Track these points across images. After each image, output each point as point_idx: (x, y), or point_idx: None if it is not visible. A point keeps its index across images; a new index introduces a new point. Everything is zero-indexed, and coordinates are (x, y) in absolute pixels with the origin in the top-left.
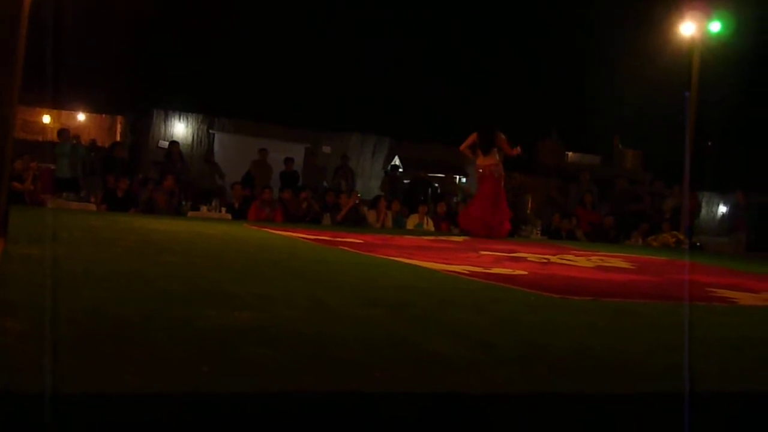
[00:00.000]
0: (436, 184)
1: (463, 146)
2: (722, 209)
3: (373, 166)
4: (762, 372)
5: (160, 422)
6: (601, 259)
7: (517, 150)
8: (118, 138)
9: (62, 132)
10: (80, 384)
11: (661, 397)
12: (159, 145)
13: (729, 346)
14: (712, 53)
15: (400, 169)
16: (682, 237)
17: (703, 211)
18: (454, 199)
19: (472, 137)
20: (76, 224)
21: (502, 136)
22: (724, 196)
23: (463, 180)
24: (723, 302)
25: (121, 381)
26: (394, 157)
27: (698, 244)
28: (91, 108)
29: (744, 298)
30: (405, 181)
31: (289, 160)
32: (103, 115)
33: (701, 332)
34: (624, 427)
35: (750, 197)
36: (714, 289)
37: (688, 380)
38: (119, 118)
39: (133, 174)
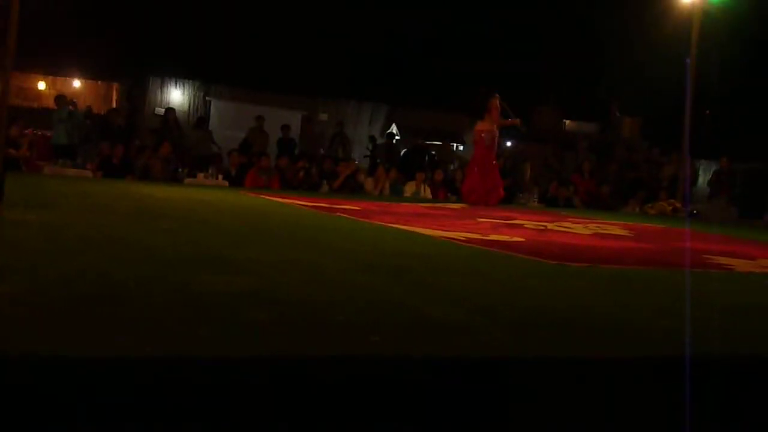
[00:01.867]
0: (434, 152)
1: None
2: None
3: (371, 133)
4: (758, 336)
5: (152, 385)
6: (598, 227)
7: (513, 121)
8: (114, 105)
9: (60, 98)
10: (72, 346)
11: (658, 361)
12: (155, 112)
13: (726, 311)
14: (711, 19)
15: (397, 137)
16: (678, 205)
17: (700, 178)
18: (451, 167)
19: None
20: (72, 191)
21: (495, 103)
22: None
23: (460, 147)
24: (720, 269)
25: (114, 343)
26: (391, 125)
27: (695, 211)
28: (87, 74)
29: (741, 265)
30: (402, 150)
31: (285, 128)
32: (99, 82)
33: (698, 298)
34: (622, 389)
35: (734, 164)
36: (711, 256)
37: (687, 344)
38: (115, 85)
39: (130, 141)
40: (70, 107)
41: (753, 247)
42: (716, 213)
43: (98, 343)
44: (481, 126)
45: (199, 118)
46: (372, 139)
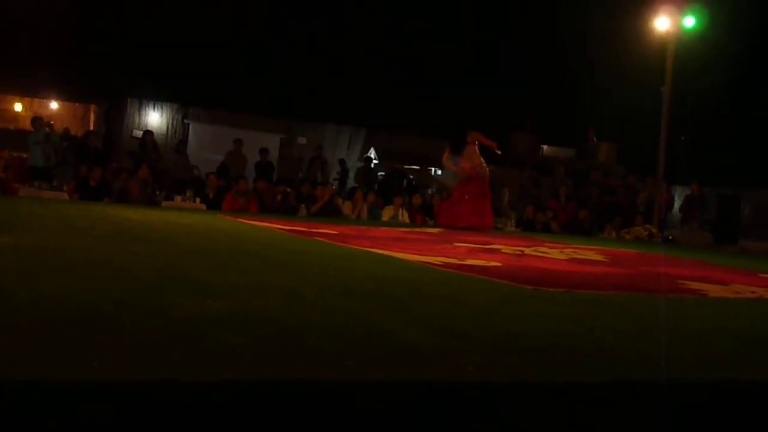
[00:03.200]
0: (412, 176)
1: (444, 159)
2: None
3: (349, 157)
4: (730, 361)
5: (123, 409)
6: (575, 252)
7: (490, 143)
8: (91, 127)
9: (36, 120)
10: (45, 370)
11: (632, 385)
12: (133, 134)
13: (699, 336)
14: (686, 48)
15: (375, 161)
16: (654, 230)
17: (676, 204)
18: (429, 191)
19: (447, 147)
20: (48, 213)
21: (476, 134)
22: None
23: (438, 172)
24: (693, 294)
25: (86, 368)
26: (369, 149)
27: (670, 237)
28: (64, 96)
29: (714, 290)
30: (380, 174)
31: (264, 151)
32: (76, 104)
33: (672, 323)
34: (596, 414)
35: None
36: (685, 281)
37: (661, 368)
38: (92, 107)
39: (107, 163)
40: (47, 129)
41: (726, 272)
42: (690, 238)
43: (71, 366)
44: (466, 164)
45: (180, 141)
46: (342, 162)
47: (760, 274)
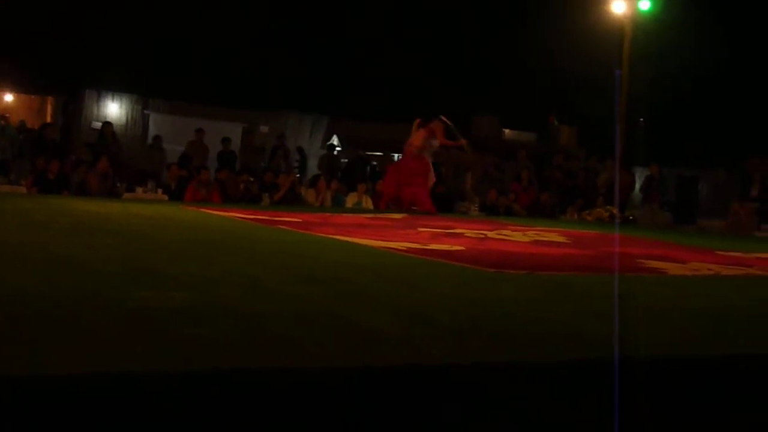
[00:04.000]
0: (375, 162)
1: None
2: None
3: (312, 145)
4: (688, 338)
5: (84, 403)
6: (537, 234)
7: (459, 143)
8: (48, 119)
9: None
10: (2, 365)
11: (593, 363)
12: (92, 126)
13: (658, 314)
14: (642, 31)
15: (338, 148)
16: (615, 211)
17: (637, 185)
18: None
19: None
20: (5, 207)
21: (439, 125)
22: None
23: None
24: (653, 273)
25: (47, 362)
26: (332, 136)
27: (631, 217)
28: (19, 88)
29: (673, 269)
30: (343, 161)
31: (226, 140)
32: (33, 96)
33: (632, 302)
34: (558, 393)
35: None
36: (644, 261)
37: (619, 347)
38: (50, 99)
39: (65, 156)
40: (2, 122)
41: (684, 251)
42: (650, 218)
43: (31, 361)
44: (414, 141)
45: (156, 137)
46: (300, 150)
47: (716, 252)
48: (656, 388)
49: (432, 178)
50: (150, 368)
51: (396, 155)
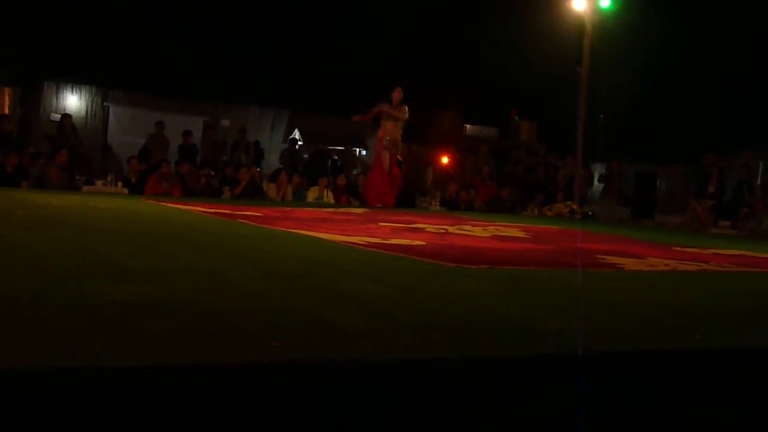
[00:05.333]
0: (336, 157)
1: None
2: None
3: (273, 139)
4: (645, 332)
5: (40, 399)
6: (498, 229)
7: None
8: (6, 111)
9: None
10: None
11: (552, 358)
12: (51, 118)
13: (615, 309)
14: (602, 27)
15: (300, 142)
16: (575, 206)
17: (596, 181)
18: (354, 172)
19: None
20: None
21: (383, 108)
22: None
23: (363, 152)
24: (611, 268)
25: (1, 357)
26: (293, 130)
27: (590, 213)
28: None
29: (630, 264)
30: (305, 156)
31: (187, 133)
32: None
33: (591, 296)
34: (518, 387)
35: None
36: (603, 256)
37: (578, 342)
38: (7, 90)
39: (23, 148)
40: None
41: (642, 246)
42: (608, 213)
43: None
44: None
45: (107, 146)
46: (256, 144)
47: (674, 248)
48: (616, 382)
49: (382, 163)
50: (108, 363)
51: (357, 150)
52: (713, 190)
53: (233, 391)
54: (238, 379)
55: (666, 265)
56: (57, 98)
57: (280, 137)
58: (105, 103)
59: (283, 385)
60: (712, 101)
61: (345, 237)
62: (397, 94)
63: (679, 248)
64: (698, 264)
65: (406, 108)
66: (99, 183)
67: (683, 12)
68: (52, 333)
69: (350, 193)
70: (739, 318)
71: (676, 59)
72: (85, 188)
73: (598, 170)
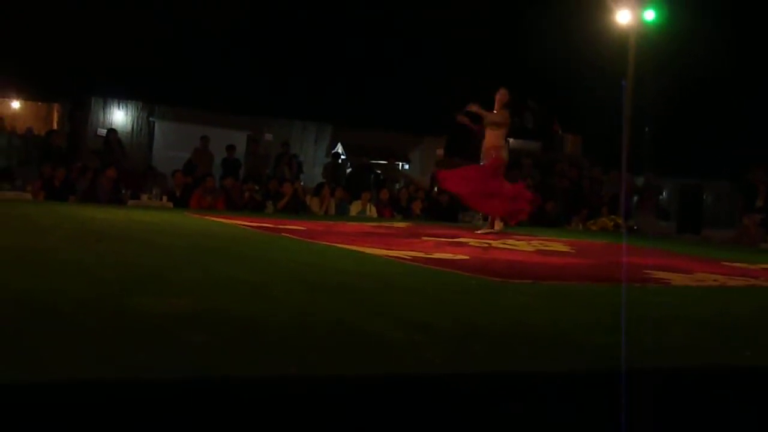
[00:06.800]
0: (379, 171)
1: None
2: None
3: (316, 153)
4: (693, 348)
5: (82, 409)
6: (542, 243)
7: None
8: (54, 126)
9: None
10: (3, 371)
11: (596, 375)
12: (98, 133)
13: (661, 324)
14: (647, 41)
15: (343, 156)
16: (620, 220)
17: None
18: (397, 186)
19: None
20: (11, 213)
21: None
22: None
23: (406, 166)
24: (657, 283)
25: (45, 369)
26: (336, 144)
27: (635, 227)
28: (26, 95)
29: (678, 279)
30: (348, 169)
31: (231, 148)
32: (39, 103)
33: (636, 312)
34: (561, 403)
35: (667, 180)
36: (650, 271)
37: (623, 358)
38: (56, 106)
39: (71, 163)
40: (8, 130)
41: (689, 261)
42: (648, 227)
43: (32, 366)
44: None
45: (150, 167)
46: (295, 157)
47: (722, 262)
48: (662, 398)
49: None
50: (149, 375)
51: (400, 164)
52: (761, 204)
53: (271, 404)
54: (276, 392)
55: (714, 280)
56: (104, 113)
57: (324, 151)
58: (151, 119)
59: (322, 398)
60: (758, 114)
61: (388, 251)
62: (502, 96)
63: (727, 263)
64: (747, 279)
65: (507, 113)
66: (144, 197)
67: (729, 24)
68: (93, 344)
69: (393, 207)
70: None
71: (721, 72)
72: (130, 202)
73: (642, 184)
